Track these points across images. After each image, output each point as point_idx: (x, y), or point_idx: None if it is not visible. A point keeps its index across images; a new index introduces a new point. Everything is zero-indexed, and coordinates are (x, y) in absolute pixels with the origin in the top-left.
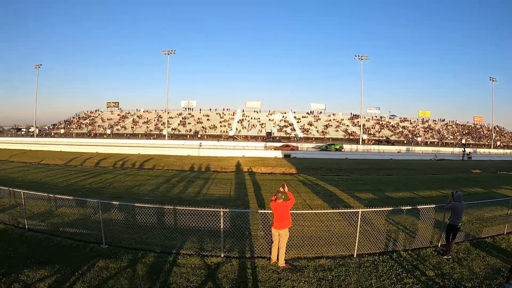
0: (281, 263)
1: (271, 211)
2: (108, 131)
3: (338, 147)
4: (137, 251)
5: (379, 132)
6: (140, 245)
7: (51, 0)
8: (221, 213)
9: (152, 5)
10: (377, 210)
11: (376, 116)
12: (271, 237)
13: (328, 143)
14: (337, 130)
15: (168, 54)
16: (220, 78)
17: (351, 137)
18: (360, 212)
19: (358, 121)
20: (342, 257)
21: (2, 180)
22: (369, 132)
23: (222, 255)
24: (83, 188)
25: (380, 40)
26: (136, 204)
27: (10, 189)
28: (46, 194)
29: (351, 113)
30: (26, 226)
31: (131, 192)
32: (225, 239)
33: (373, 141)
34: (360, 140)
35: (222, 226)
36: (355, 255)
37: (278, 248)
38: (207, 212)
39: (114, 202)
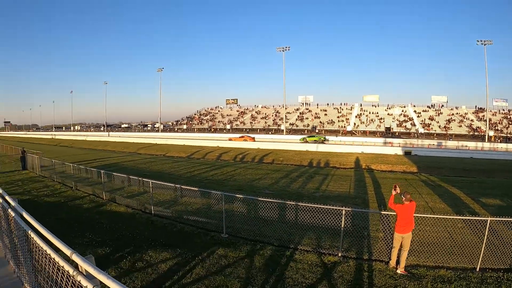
0: (401, 269)
1: (393, 213)
2: (228, 126)
3: (318, 139)
4: (256, 242)
5: (506, 128)
6: (258, 237)
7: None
8: (343, 212)
9: (265, 5)
10: (507, 220)
11: (503, 110)
12: (392, 240)
13: (309, 134)
14: (460, 126)
15: (283, 51)
16: (337, 72)
17: (475, 133)
18: (488, 221)
19: (483, 115)
20: (464, 269)
21: (132, 170)
22: (496, 127)
23: (340, 254)
24: (206, 180)
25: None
26: (260, 198)
27: (140, 178)
28: (172, 185)
29: (475, 106)
30: (152, 212)
31: (251, 185)
32: (343, 238)
33: (500, 138)
34: (486, 137)
35: (343, 225)
36: (477, 269)
37: (399, 253)
38: (328, 209)
39: (237, 195)
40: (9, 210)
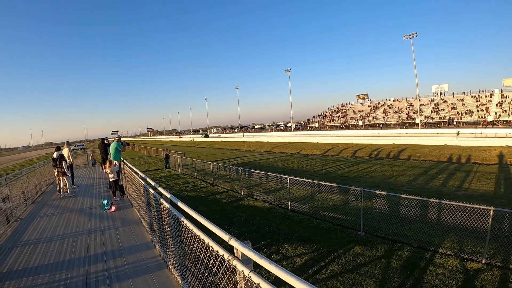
0: None
1: None
2: (360, 122)
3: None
4: (393, 242)
5: None
6: (396, 236)
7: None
8: (491, 213)
9: None
10: None
11: None
12: None
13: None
14: None
15: (410, 38)
16: (470, 54)
17: None
18: None
19: None
20: None
21: (268, 167)
22: None
23: (483, 261)
24: (341, 176)
25: None
26: (402, 196)
27: (278, 175)
28: (310, 181)
29: None
30: (289, 207)
31: (388, 182)
32: (488, 243)
33: None
34: None
35: (489, 227)
36: None
37: None
38: (474, 209)
39: (377, 192)
40: (161, 199)
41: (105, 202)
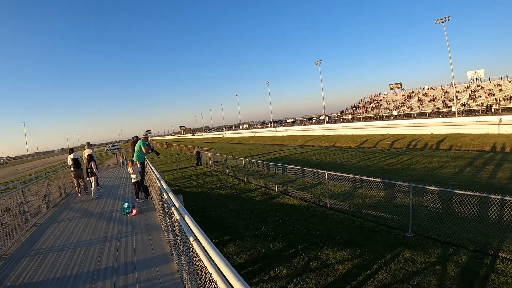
0: None
1: None
2: (395, 113)
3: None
4: (447, 245)
5: None
6: (450, 238)
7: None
8: None
9: None
10: None
11: None
12: None
13: None
14: None
15: (443, 22)
16: (507, 37)
17: None
18: None
19: None
20: None
21: (302, 162)
22: None
23: None
24: (381, 170)
25: None
26: (457, 191)
27: (314, 170)
28: (350, 176)
29: None
30: (328, 205)
31: (432, 175)
32: None
33: None
34: None
35: None
36: None
37: None
38: None
39: (428, 187)
40: (173, 208)
41: (126, 205)
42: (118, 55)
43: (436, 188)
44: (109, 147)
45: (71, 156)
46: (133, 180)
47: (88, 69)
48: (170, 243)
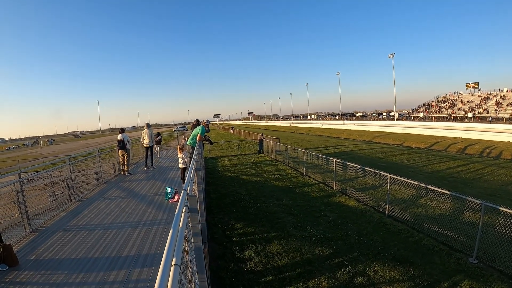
0: None
1: None
2: (469, 115)
3: None
4: None
5: None
6: None
7: None
8: None
9: None
10: None
11: None
12: None
13: None
14: None
15: None
16: None
17: None
18: None
19: None
20: None
21: (366, 159)
22: None
23: None
24: (450, 177)
25: None
26: None
27: (377, 171)
28: (416, 183)
29: None
30: (386, 212)
31: (506, 191)
32: None
33: None
34: None
35: None
36: None
37: None
38: None
39: (503, 209)
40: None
41: (169, 190)
42: (188, 43)
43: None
44: (177, 128)
45: (118, 136)
46: (180, 166)
47: (163, 55)
48: None
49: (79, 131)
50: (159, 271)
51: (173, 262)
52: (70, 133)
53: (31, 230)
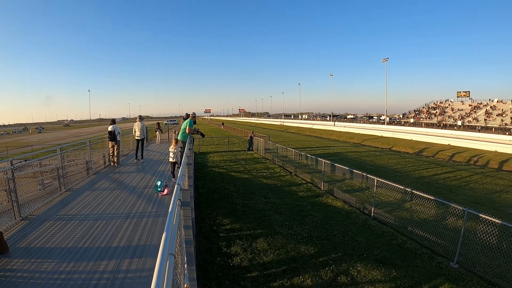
0: None
1: None
2: (459, 123)
3: None
4: (494, 287)
5: None
6: (498, 278)
7: None
8: None
9: None
10: None
11: None
12: None
13: None
14: None
15: None
16: None
17: None
18: None
19: None
20: None
21: (355, 162)
22: None
23: None
24: (436, 183)
25: None
26: None
27: (364, 173)
28: (401, 187)
29: None
30: (372, 214)
31: (490, 199)
32: None
33: None
34: None
35: None
36: None
37: None
38: None
39: (484, 216)
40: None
41: (159, 183)
42: (182, 36)
43: (497, 221)
44: (167, 121)
45: (109, 127)
46: (170, 160)
47: (157, 47)
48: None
49: (69, 120)
50: (158, 259)
51: (169, 252)
52: (59, 122)
53: (21, 218)
